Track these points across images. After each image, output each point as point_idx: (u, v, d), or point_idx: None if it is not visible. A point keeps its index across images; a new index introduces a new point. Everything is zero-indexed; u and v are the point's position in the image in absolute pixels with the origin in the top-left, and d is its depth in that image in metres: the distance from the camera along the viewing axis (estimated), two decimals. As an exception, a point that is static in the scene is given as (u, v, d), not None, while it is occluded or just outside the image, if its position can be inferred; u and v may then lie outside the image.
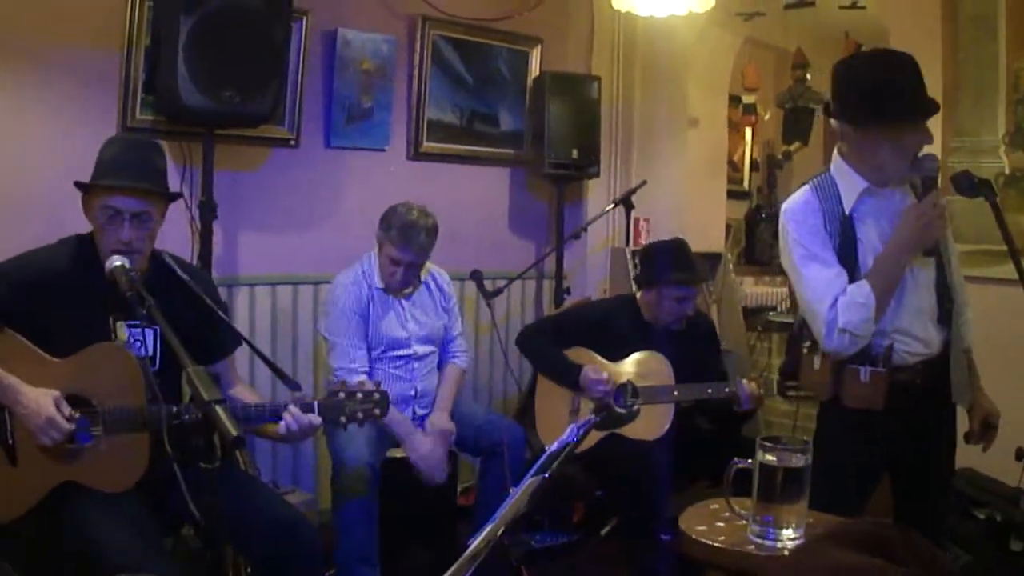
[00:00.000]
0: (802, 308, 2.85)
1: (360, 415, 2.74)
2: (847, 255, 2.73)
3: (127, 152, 2.75)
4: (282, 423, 2.66)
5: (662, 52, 5.57)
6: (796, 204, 2.82)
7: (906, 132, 2.69)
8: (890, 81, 2.69)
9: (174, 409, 2.51)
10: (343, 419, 2.74)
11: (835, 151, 2.85)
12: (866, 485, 2.86)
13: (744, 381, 3.83)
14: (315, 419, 2.69)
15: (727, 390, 3.87)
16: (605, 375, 3.94)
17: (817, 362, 2.83)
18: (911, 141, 2.70)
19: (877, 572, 1.18)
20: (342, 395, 2.74)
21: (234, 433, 1.88)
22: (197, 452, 2.30)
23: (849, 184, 2.75)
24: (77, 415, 2.53)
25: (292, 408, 2.67)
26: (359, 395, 2.74)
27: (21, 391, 2.51)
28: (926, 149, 2.77)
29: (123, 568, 2.32)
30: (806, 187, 2.83)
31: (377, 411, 2.76)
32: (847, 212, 2.74)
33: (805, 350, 2.88)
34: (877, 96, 2.68)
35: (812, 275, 2.75)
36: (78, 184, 2.73)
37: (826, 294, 2.70)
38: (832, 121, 2.81)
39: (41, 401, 2.49)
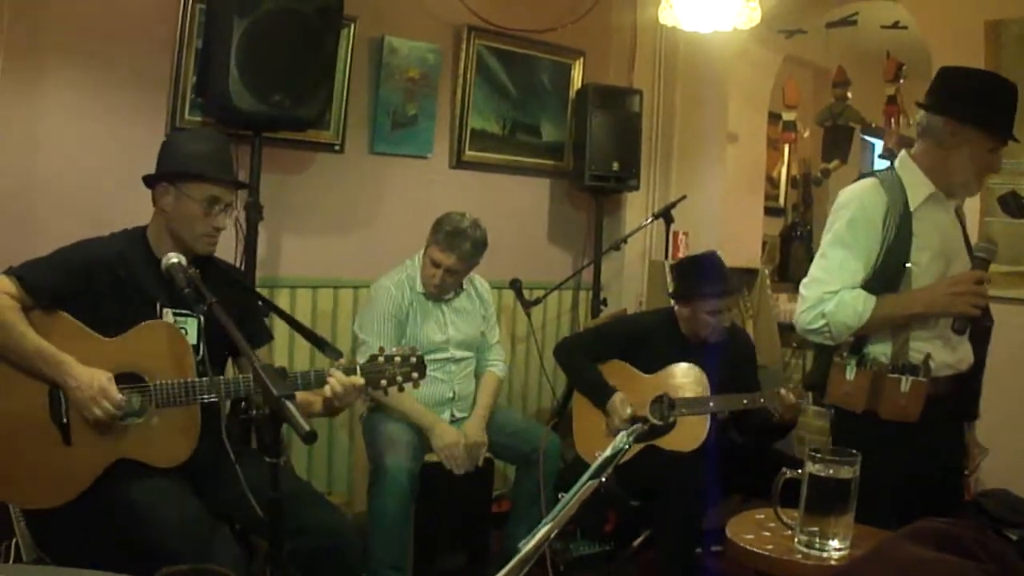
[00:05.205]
0: (805, 280, 2.83)
1: (400, 379, 2.81)
2: (900, 246, 2.73)
3: (221, 148, 2.93)
4: (327, 387, 2.72)
5: (703, 67, 5.58)
6: (864, 191, 2.80)
7: (990, 149, 2.73)
8: (1004, 93, 2.77)
9: (241, 405, 2.58)
10: (384, 382, 2.80)
11: (902, 153, 2.87)
12: (901, 502, 2.65)
13: (782, 390, 3.82)
14: (358, 380, 2.75)
15: (761, 400, 3.88)
16: (629, 413, 3.94)
17: (851, 372, 2.80)
18: (988, 159, 2.75)
19: (951, 567, 1.20)
20: (381, 359, 2.81)
21: (307, 428, 1.92)
22: (262, 447, 2.33)
23: (917, 184, 2.78)
24: (125, 399, 2.59)
25: (336, 372, 2.74)
26: (398, 359, 2.82)
27: (73, 366, 2.58)
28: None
29: (184, 554, 2.36)
30: (872, 179, 2.83)
31: (416, 375, 2.83)
32: (911, 209, 2.75)
33: (839, 358, 2.83)
34: (990, 101, 2.74)
35: (837, 257, 2.76)
36: (178, 174, 2.81)
37: (836, 279, 2.73)
38: (920, 115, 2.83)
39: (94, 374, 2.57)
